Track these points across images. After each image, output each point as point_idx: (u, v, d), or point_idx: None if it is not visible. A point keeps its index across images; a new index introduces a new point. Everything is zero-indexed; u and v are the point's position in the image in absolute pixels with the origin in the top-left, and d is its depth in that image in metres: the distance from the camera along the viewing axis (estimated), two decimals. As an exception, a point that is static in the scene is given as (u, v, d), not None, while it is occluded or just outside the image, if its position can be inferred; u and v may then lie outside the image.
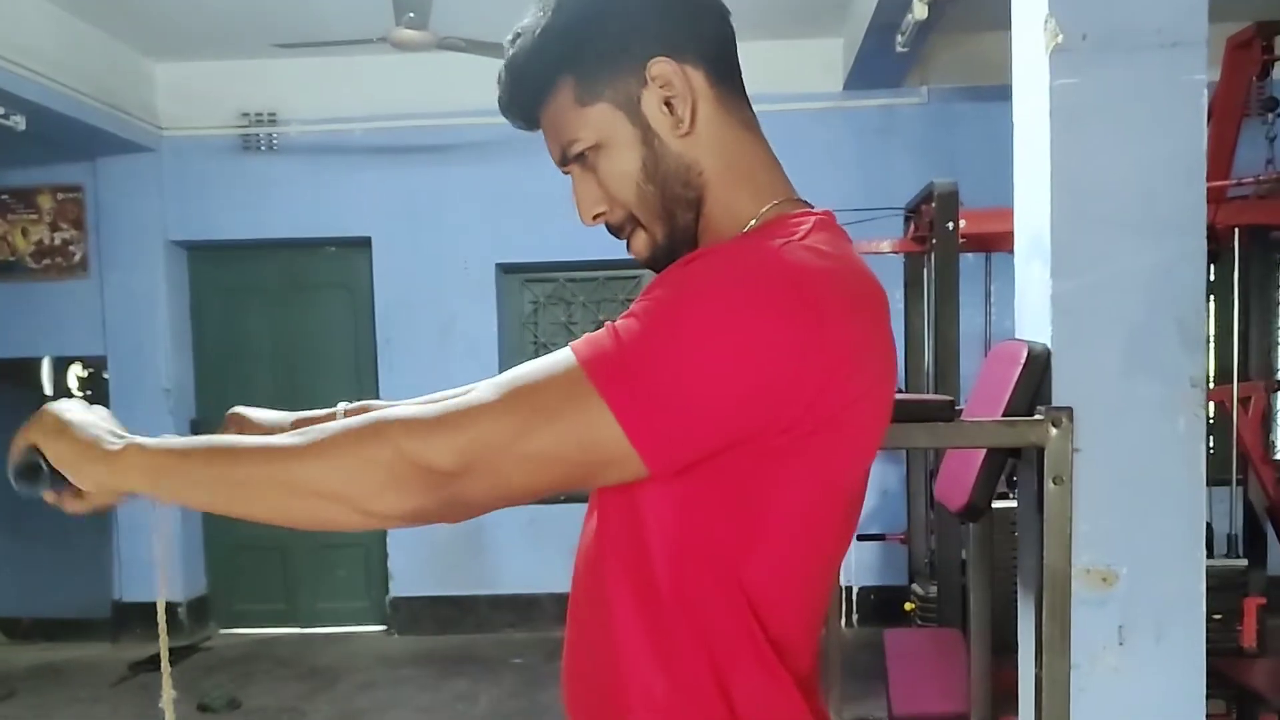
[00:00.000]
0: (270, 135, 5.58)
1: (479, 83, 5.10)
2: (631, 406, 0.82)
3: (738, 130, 0.99)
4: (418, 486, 0.84)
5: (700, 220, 0.98)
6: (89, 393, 5.80)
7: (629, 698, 0.94)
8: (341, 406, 1.26)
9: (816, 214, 0.97)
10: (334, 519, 0.87)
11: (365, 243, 5.68)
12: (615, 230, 1.02)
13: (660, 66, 0.94)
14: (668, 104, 0.95)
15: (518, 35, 0.98)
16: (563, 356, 0.86)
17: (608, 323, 0.87)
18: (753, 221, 0.97)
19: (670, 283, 0.88)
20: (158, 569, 1.09)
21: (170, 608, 5.67)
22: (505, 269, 5.74)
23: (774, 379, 0.83)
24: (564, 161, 1.01)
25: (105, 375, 5.65)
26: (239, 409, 1.23)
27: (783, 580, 0.93)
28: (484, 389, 0.87)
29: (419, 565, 5.71)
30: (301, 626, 5.86)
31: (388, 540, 5.76)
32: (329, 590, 5.89)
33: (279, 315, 5.80)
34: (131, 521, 5.54)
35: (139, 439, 0.92)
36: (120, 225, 5.59)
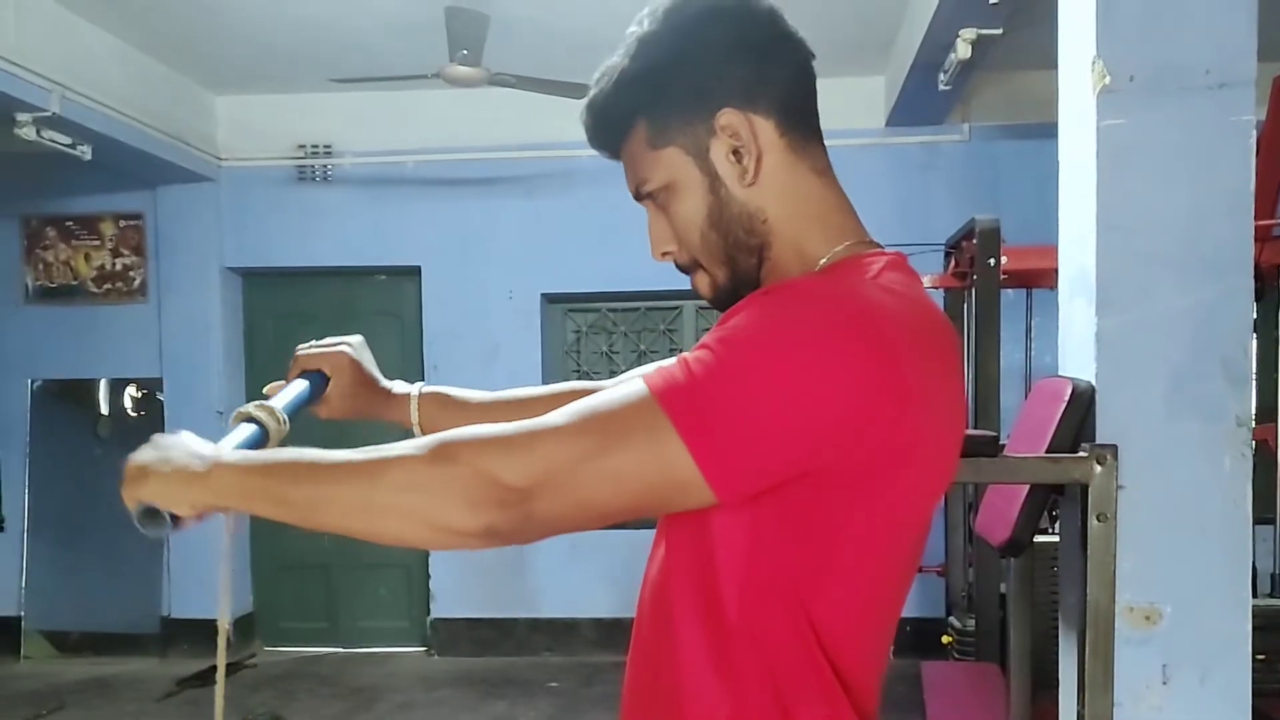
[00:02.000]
0: (325, 167, 5.71)
1: (528, 118, 5.26)
2: (702, 434, 0.84)
3: (807, 176, 1.01)
4: (489, 504, 0.85)
5: (765, 264, 1.00)
6: (143, 413, 5.94)
7: None
8: (418, 388, 1.34)
9: (888, 254, 0.98)
10: (408, 535, 0.89)
11: (415, 272, 5.78)
12: (682, 269, 1.05)
13: (728, 117, 0.97)
14: (735, 153, 0.97)
15: (601, 76, 1.01)
16: (636, 386, 0.88)
17: (681, 354, 0.89)
18: (823, 261, 0.98)
19: (744, 316, 0.89)
20: (220, 587, 1.14)
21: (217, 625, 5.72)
22: (549, 299, 5.81)
23: (843, 415, 0.85)
24: (638, 197, 1.04)
25: (160, 397, 5.78)
26: (353, 340, 1.32)
27: (849, 615, 0.93)
28: (558, 414, 0.88)
29: (460, 586, 5.75)
30: (343, 646, 5.91)
31: (430, 561, 5.81)
32: (371, 610, 5.95)
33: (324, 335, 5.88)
34: (181, 538, 5.61)
35: (223, 456, 0.97)
36: (178, 252, 5.73)
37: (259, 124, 5.69)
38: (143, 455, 0.98)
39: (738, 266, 1.00)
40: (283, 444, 1.09)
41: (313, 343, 1.32)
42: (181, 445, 0.99)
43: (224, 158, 5.72)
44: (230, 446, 1.02)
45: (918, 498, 0.94)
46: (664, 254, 1.04)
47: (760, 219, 0.99)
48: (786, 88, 1.00)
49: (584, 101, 1.03)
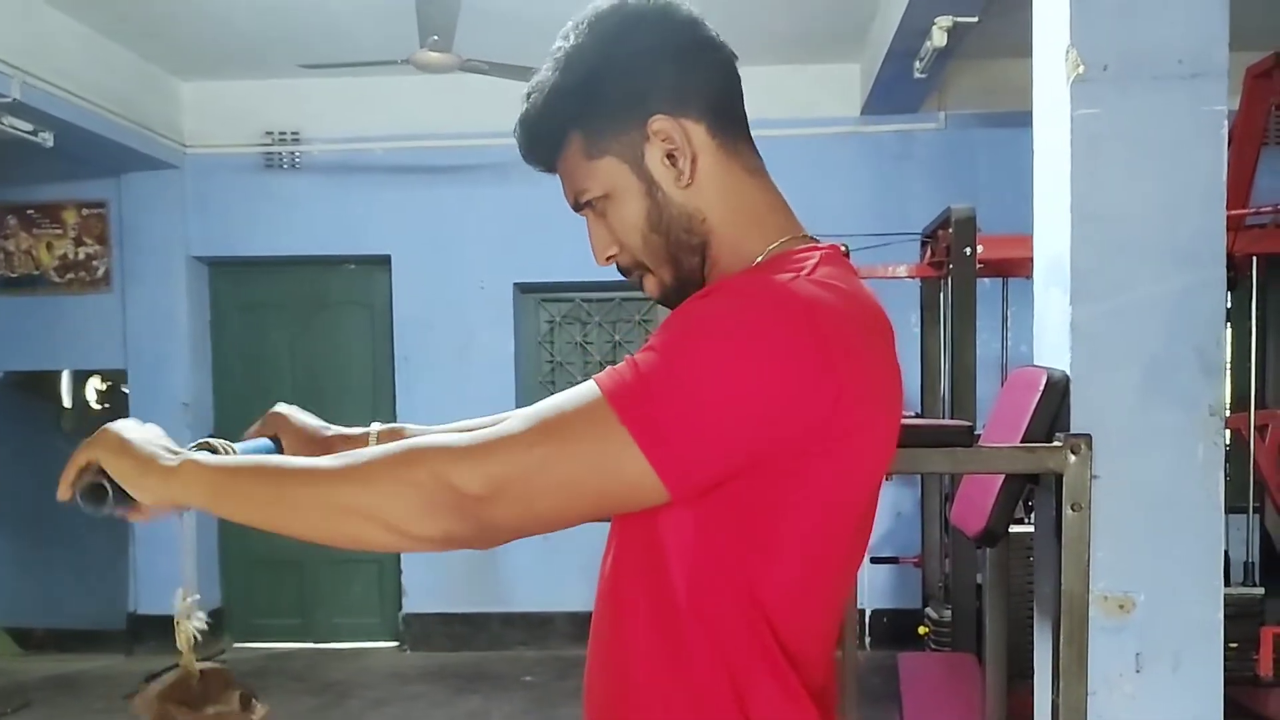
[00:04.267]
0: (293, 154, 5.64)
1: (500, 104, 5.13)
2: (652, 434, 0.87)
3: (741, 176, 1.03)
4: (449, 511, 0.89)
5: (707, 262, 1.03)
6: (107, 405, 5.86)
7: (649, 711, 0.97)
8: (375, 427, 1.30)
9: (822, 248, 1.01)
10: (371, 539, 0.92)
11: (385, 261, 5.72)
12: (625, 271, 1.08)
13: (661, 123, 0.99)
14: (669, 157, 1.00)
15: (530, 92, 1.04)
16: (587, 389, 0.91)
17: (628, 356, 0.91)
18: (760, 258, 1.01)
19: (686, 316, 0.93)
20: (182, 587, 1.11)
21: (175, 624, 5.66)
22: (522, 288, 5.77)
23: (784, 405, 0.88)
24: (577, 207, 1.06)
25: (125, 389, 5.70)
26: (281, 408, 1.28)
27: (797, 596, 0.96)
28: (513, 420, 0.91)
29: (432, 582, 5.72)
30: (316, 641, 5.86)
31: (402, 557, 5.77)
32: (343, 606, 5.91)
33: (298, 332, 5.84)
34: (148, 534, 5.58)
35: (194, 455, 0.99)
36: (143, 241, 5.65)
37: (225, 110, 5.61)
38: (127, 430, 0.99)
39: (681, 266, 1.03)
40: None
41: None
42: (158, 437, 1.01)
43: (189, 145, 5.63)
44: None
45: (858, 480, 0.96)
46: (608, 258, 1.07)
47: (699, 219, 1.02)
48: (714, 90, 1.02)
49: (516, 118, 1.05)
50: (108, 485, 0.96)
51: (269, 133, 5.61)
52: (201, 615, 1.08)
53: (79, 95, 4.62)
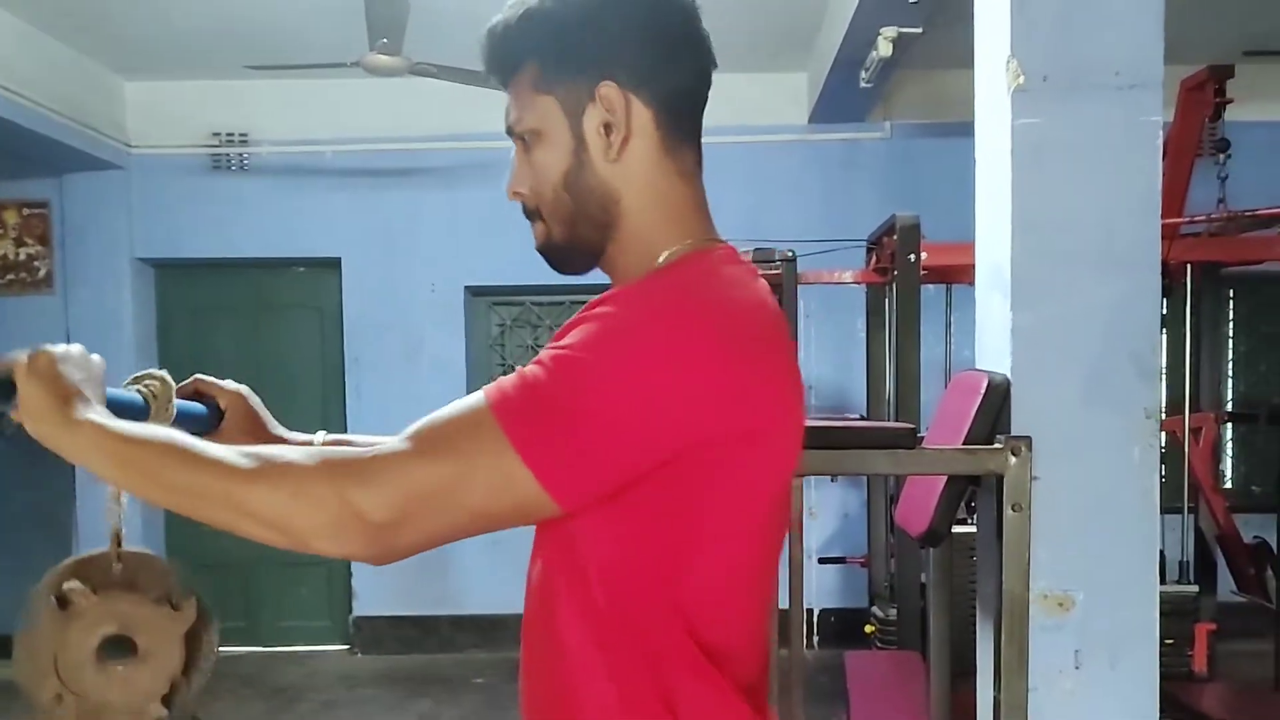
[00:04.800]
0: (241, 155, 5.56)
1: (450, 108, 5.19)
2: (536, 447, 0.88)
3: (670, 176, 1.02)
4: (354, 535, 0.89)
5: (611, 244, 1.03)
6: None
7: (584, 711, 0.98)
8: (321, 436, 1.30)
9: (722, 249, 1.02)
10: (270, 541, 0.92)
11: (335, 264, 5.67)
12: (526, 214, 1.06)
13: (607, 89, 0.98)
14: (605, 127, 0.99)
15: (511, 4, 1.03)
16: (474, 401, 0.91)
17: (518, 368, 0.92)
18: (664, 256, 1.00)
19: (581, 328, 0.93)
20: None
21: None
22: (473, 291, 5.75)
23: (686, 409, 0.89)
24: (509, 132, 1.05)
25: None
26: (245, 389, 1.27)
27: (718, 595, 0.97)
28: (407, 438, 0.91)
29: (382, 585, 5.67)
30: (263, 645, 5.77)
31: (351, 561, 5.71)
32: (291, 609, 5.84)
33: (247, 335, 5.76)
34: (92, 532, 5.46)
35: (100, 418, 0.96)
36: (87, 242, 5.54)
37: (171, 110, 5.52)
38: (66, 359, 0.99)
39: (577, 233, 1.03)
40: None
41: (211, 379, 1.29)
42: (91, 378, 1.00)
43: (134, 145, 5.53)
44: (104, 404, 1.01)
45: (767, 475, 0.98)
46: (515, 194, 1.06)
47: (614, 199, 1.01)
48: (678, 87, 1.02)
49: (487, 25, 1.04)
50: (6, 409, 0.93)
51: (216, 134, 5.54)
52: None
53: (18, 93, 4.52)
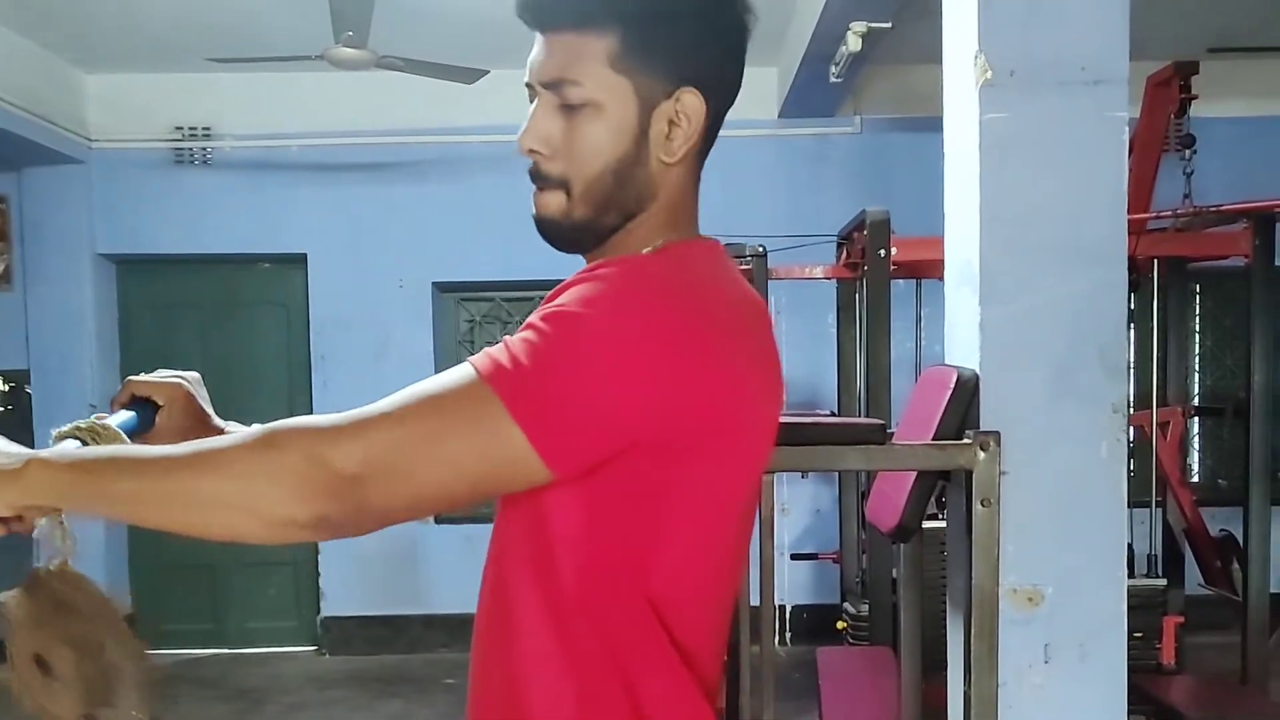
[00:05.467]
0: (204, 150, 5.49)
1: (417, 102, 5.15)
2: (530, 410, 0.85)
3: (695, 183, 1.03)
4: (322, 492, 0.83)
5: (619, 233, 1.00)
6: (10, 407, 5.63)
7: (537, 709, 0.94)
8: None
9: (706, 243, 1.03)
10: (237, 528, 0.86)
11: (301, 259, 5.61)
12: (537, 177, 1.00)
13: (692, 97, 0.97)
14: (669, 126, 0.97)
15: None
16: (462, 369, 0.88)
17: (504, 337, 0.89)
18: (650, 247, 1.00)
19: (571, 293, 0.90)
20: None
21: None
22: (441, 288, 5.71)
23: (667, 388, 0.87)
24: (544, 84, 0.97)
25: (28, 389, 5.49)
26: (133, 379, 1.20)
27: (684, 588, 0.95)
28: (389, 400, 0.87)
29: (351, 584, 5.63)
30: (230, 647, 5.73)
31: (319, 559, 5.68)
32: (258, 610, 5.78)
33: (212, 331, 5.69)
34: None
35: (39, 453, 0.91)
36: (46, 237, 5.45)
37: (133, 104, 5.44)
38: None
39: (603, 219, 0.99)
40: None
41: (144, 375, 1.23)
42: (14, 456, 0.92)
43: (95, 139, 5.45)
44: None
45: (740, 469, 0.97)
46: (532, 151, 0.99)
47: (652, 197, 0.99)
48: (729, 100, 1.02)
49: None
50: None
51: (179, 128, 5.47)
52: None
53: (-24, 86, 4.45)
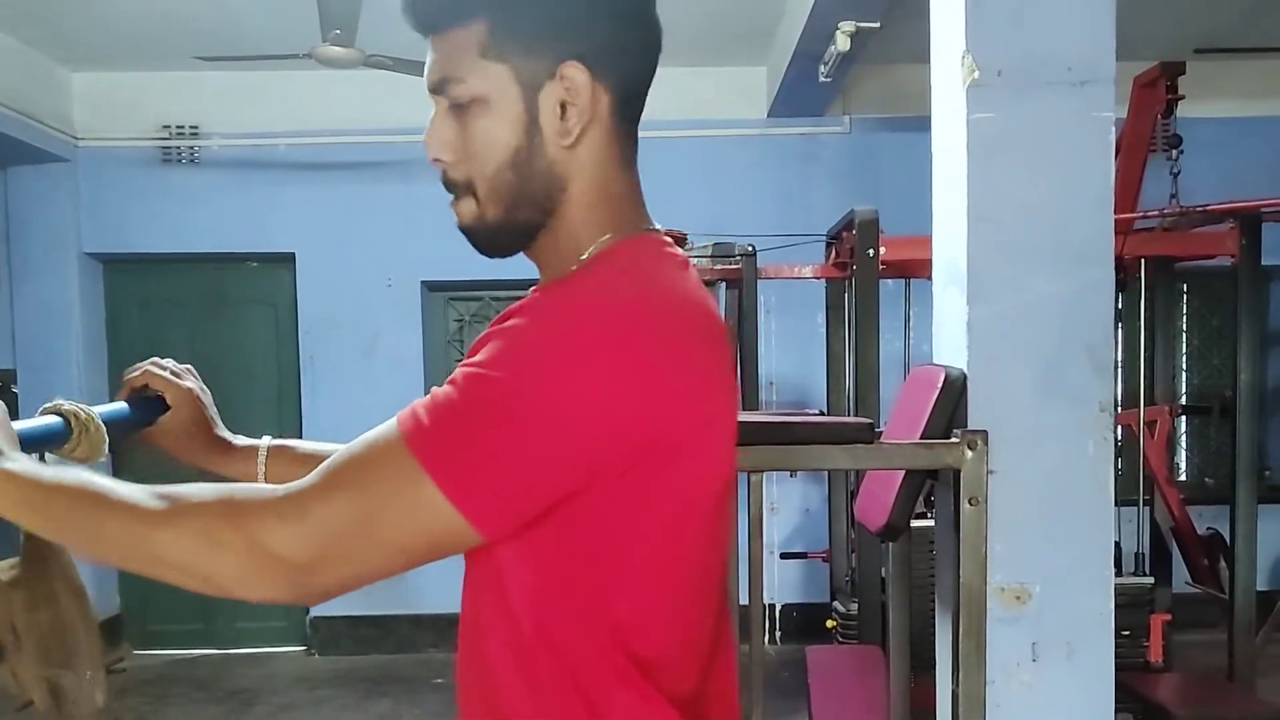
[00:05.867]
0: (192, 148, 5.47)
1: (405, 101, 5.08)
2: (453, 476, 0.83)
3: (618, 166, 0.97)
4: (267, 578, 0.85)
5: (545, 232, 0.96)
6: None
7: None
8: (266, 442, 1.25)
9: (653, 243, 0.97)
10: (186, 585, 0.87)
11: (289, 259, 5.59)
12: (447, 185, 0.98)
13: (575, 70, 0.91)
14: (563, 107, 0.92)
15: None
16: (387, 429, 0.86)
17: (434, 389, 0.87)
18: (589, 251, 0.95)
19: (487, 345, 0.87)
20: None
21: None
22: (430, 287, 5.70)
23: (602, 428, 0.84)
24: (434, 89, 0.95)
25: (14, 389, 5.47)
26: (155, 371, 1.20)
27: (653, 606, 0.93)
28: (321, 474, 0.86)
29: (340, 586, 5.61)
30: (219, 647, 5.71)
31: (308, 561, 5.66)
32: (247, 610, 5.73)
33: (199, 331, 5.67)
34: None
35: (9, 464, 0.90)
36: (32, 236, 5.42)
37: (119, 102, 5.41)
38: None
39: (515, 216, 0.95)
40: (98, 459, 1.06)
41: (167, 364, 1.23)
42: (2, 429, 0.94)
43: (81, 137, 5.42)
44: (19, 439, 0.96)
45: (699, 486, 0.93)
46: (437, 160, 0.97)
47: (561, 186, 0.94)
48: (636, 71, 0.97)
49: None
50: None
51: (166, 126, 5.44)
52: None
53: (-39, 84, 4.42)
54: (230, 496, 0.86)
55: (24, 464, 0.92)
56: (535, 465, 0.84)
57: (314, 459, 1.20)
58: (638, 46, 0.97)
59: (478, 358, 0.86)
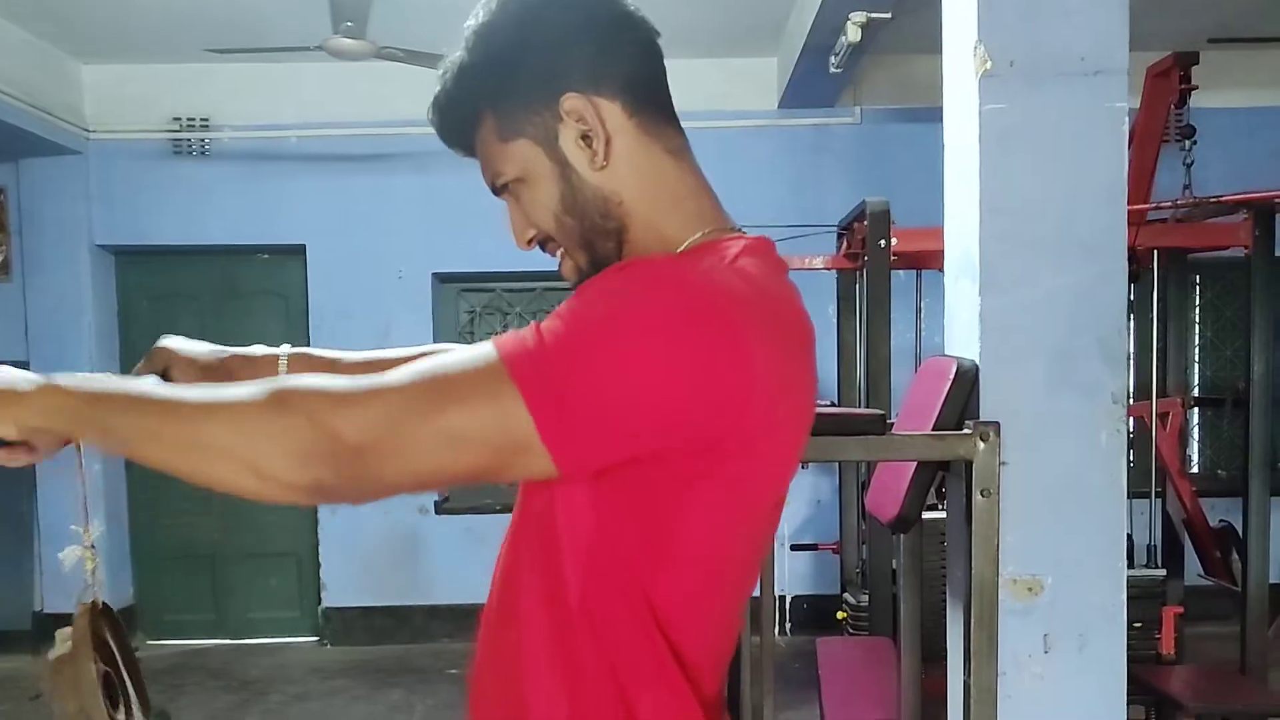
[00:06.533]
0: (203, 141, 5.48)
1: (416, 93, 5.07)
2: (546, 402, 0.82)
3: (661, 158, 0.99)
4: (321, 458, 0.82)
5: (625, 247, 0.99)
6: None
7: (533, 710, 0.94)
8: (285, 349, 1.24)
9: (748, 239, 0.98)
10: (231, 481, 0.85)
11: (300, 250, 5.61)
12: (547, 250, 1.04)
13: (572, 102, 0.95)
14: (584, 138, 0.96)
15: (443, 72, 1.00)
16: (484, 349, 0.85)
17: (534, 323, 0.87)
18: (683, 246, 0.97)
19: (601, 288, 0.89)
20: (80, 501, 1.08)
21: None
22: (441, 278, 5.71)
23: (691, 397, 0.84)
24: (495, 191, 1.03)
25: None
26: (167, 340, 1.20)
27: (690, 600, 0.93)
28: (401, 371, 0.85)
29: (352, 575, 5.64)
30: (232, 638, 5.74)
31: (320, 550, 5.68)
32: (260, 600, 5.79)
33: (210, 322, 5.69)
34: (54, 531, 5.40)
35: (55, 378, 0.90)
36: (44, 228, 5.44)
37: (130, 95, 5.43)
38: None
39: (595, 250, 0.99)
40: None
41: (187, 347, 1.23)
42: (17, 372, 0.93)
43: (92, 130, 5.44)
44: None
45: (761, 485, 0.93)
46: (528, 241, 1.03)
47: (615, 201, 0.97)
48: (632, 68, 0.98)
49: (429, 101, 1.01)
50: None
51: (177, 118, 5.45)
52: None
53: (-27, 78, 4.44)
54: (290, 385, 0.85)
55: (71, 377, 0.92)
56: (624, 414, 0.83)
57: (338, 364, 1.23)
58: (624, 46, 0.99)
59: (587, 296, 0.88)
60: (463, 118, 1.00)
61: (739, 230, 1.01)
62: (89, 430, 0.89)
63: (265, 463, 0.83)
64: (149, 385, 0.89)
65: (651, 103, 0.99)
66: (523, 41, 0.96)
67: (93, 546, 1.06)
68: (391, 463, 0.83)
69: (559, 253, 1.02)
